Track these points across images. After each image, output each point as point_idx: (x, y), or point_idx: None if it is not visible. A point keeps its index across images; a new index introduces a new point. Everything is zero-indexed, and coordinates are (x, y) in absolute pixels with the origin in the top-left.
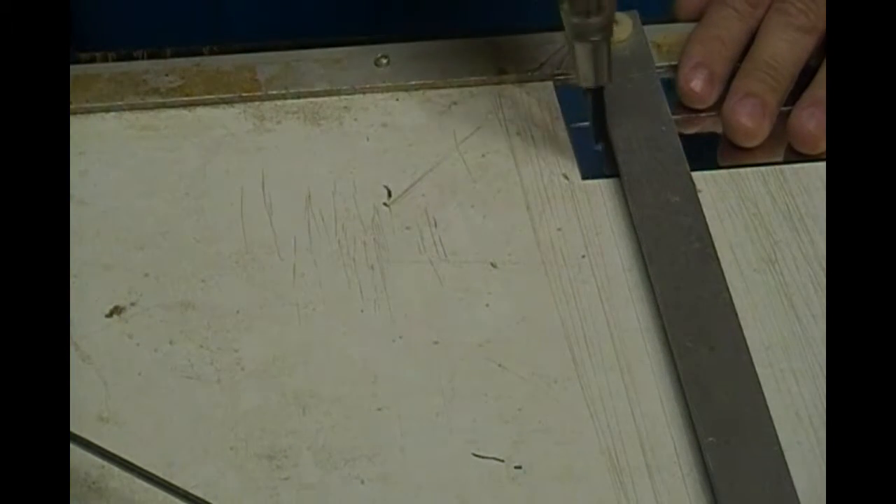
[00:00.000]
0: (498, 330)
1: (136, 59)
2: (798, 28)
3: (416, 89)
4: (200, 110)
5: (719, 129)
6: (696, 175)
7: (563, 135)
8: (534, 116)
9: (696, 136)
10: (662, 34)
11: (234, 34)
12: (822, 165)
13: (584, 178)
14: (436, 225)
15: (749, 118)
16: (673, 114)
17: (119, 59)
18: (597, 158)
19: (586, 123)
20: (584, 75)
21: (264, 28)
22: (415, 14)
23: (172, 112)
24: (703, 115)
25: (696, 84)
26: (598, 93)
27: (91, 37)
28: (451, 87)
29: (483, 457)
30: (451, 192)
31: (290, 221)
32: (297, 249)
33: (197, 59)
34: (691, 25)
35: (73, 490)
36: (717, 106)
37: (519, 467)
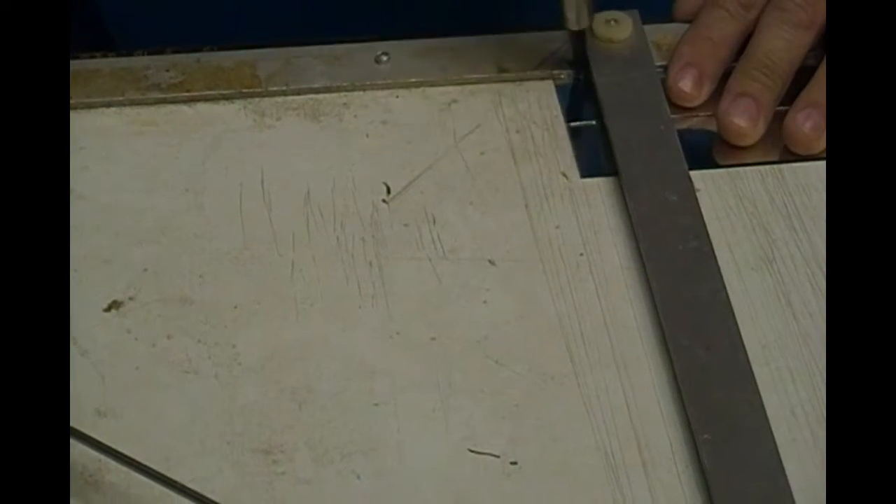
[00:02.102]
0: (495, 327)
1: (137, 55)
2: (795, 24)
3: (416, 86)
4: (201, 106)
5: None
6: (694, 174)
7: (563, 133)
8: (533, 115)
9: (695, 135)
10: (662, 34)
11: (235, 34)
12: (821, 165)
13: (584, 176)
14: (434, 222)
15: (742, 118)
16: (672, 114)
17: (119, 55)
18: (596, 157)
19: (587, 122)
20: (571, 19)
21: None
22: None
23: (173, 108)
24: (701, 114)
25: (686, 84)
26: (580, 35)
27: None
28: (451, 84)
29: (479, 453)
30: (449, 189)
31: (289, 217)
32: (296, 245)
33: (197, 55)
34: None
35: (71, 484)
36: (715, 106)
37: (515, 463)
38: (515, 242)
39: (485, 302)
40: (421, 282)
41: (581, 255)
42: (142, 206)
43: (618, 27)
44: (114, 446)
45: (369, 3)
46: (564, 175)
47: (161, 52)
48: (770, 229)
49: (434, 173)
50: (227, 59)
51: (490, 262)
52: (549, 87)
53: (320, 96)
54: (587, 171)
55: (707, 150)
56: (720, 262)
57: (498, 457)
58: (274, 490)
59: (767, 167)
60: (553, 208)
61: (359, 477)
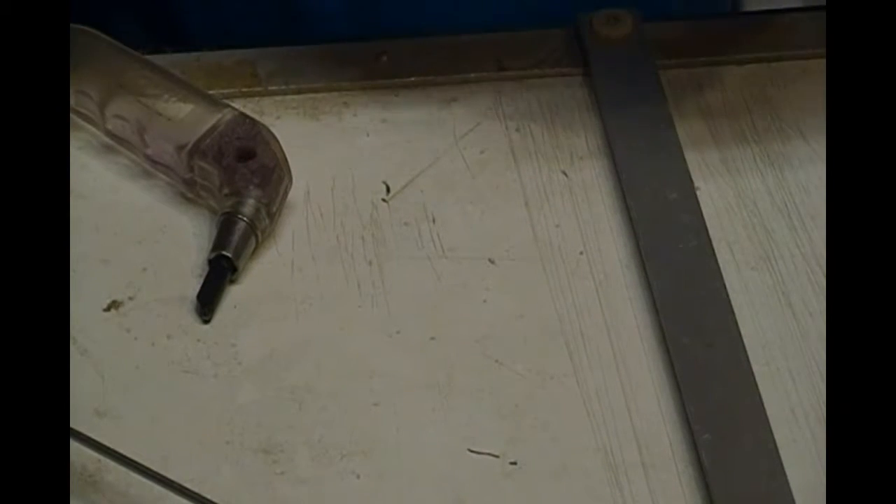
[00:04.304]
0: (495, 326)
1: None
2: None
3: (416, 85)
4: None
5: None
6: (694, 173)
7: (562, 132)
8: (533, 113)
9: None
10: (662, 32)
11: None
12: (821, 164)
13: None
14: (434, 221)
15: None
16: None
17: None
18: None
19: None
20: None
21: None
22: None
23: None
24: None
25: None
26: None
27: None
28: (451, 83)
29: (479, 452)
30: (449, 188)
31: (289, 216)
32: (296, 244)
33: (197, 54)
34: (692, 23)
35: (70, 483)
36: None
37: (514, 463)
38: (515, 241)
39: (484, 301)
40: (421, 281)
41: (581, 253)
42: (141, 205)
43: (618, 24)
44: (113, 446)
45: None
46: (564, 173)
47: (161, 51)
48: (770, 228)
49: (434, 172)
50: (227, 58)
51: (490, 261)
52: (548, 84)
53: (320, 95)
54: None
55: None
56: (720, 261)
57: (498, 457)
58: (273, 490)
59: (768, 166)
60: (553, 207)
61: (358, 477)
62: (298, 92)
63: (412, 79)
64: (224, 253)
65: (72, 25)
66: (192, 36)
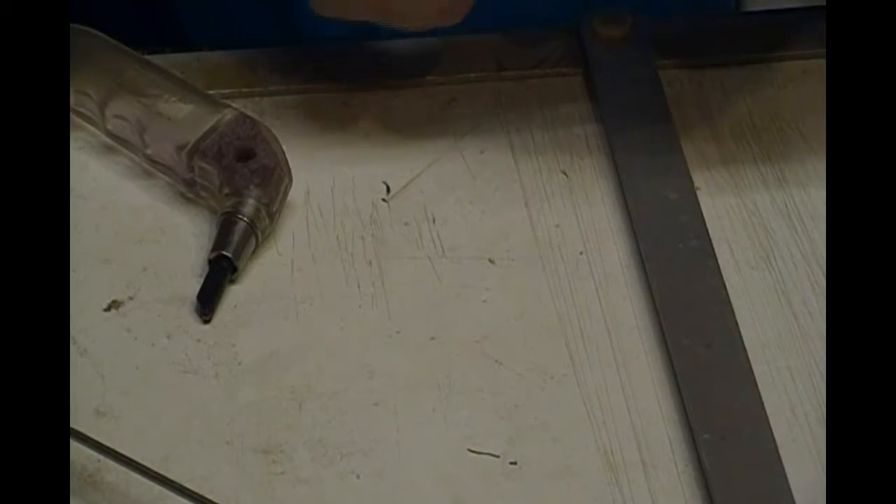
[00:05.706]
0: (495, 326)
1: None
2: None
3: (416, 85)
4: None
5: None
6: (694, 173)
7: (562, 132)
8: (533, 113)
9: None
10: (662, 32)
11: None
12: (821, 164)
13: None
14: (434, 221)
15: None
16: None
17: None
18: None
19: None
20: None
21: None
22: None
23: None
24: None
25: None
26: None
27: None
28: (451, 83)
29: (479, 452)
30: (449, 187)
31: (289, 216)
32: (296, 244)
33: (197, 53)
34: (692, 23)
35: (70, 483)
36: None
37: (514, 463)
38: (515, 241)
39: (484, 301)
40: (421, 281)
41: (581, 253)
42: (141, 205)
43: (618, 24)
44: (113, 446)
45: None
46: (564, 173)
47: (161, 51)
48: (770, 228)
49: (434, 172)
50: (227, 58)
51: (490, 260)
52: (548, 85)
53: (320, 95)
54: None
55: None
56: (720, 261)
57: (498, 457)
58: (273, 490)
59: (768, 166)
60: (553, 207)
61: (358, 477)
62: (298, 92)
63: (412, 79)
64: (224, 253)
65: (72, 25)
66: (192, 36)
